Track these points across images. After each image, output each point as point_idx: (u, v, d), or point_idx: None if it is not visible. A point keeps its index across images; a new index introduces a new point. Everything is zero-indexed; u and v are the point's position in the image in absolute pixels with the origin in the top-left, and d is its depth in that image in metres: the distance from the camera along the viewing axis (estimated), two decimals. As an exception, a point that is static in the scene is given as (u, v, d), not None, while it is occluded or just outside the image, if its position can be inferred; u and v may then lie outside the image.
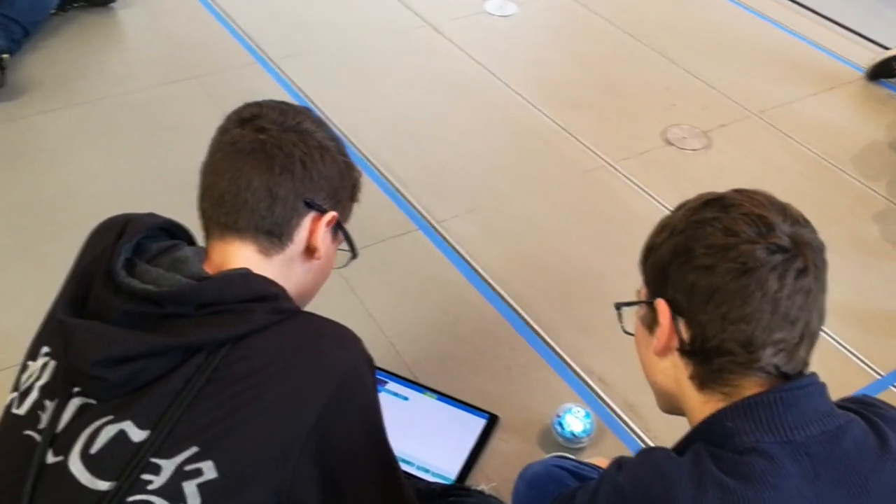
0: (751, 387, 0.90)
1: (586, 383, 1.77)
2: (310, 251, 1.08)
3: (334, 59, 2.75)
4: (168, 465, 0.88)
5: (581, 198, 2.25)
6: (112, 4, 2.82)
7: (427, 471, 1.55)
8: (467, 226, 2.12)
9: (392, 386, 1.69)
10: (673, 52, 2.93)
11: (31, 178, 2.15)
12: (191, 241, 1.11)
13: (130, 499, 0.87)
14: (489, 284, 1.96)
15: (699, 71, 2.85)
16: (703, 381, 0.92)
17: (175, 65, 2.63)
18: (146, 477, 0.87)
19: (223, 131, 1.08)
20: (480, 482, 1.55)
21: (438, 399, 1.68)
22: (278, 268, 1.05)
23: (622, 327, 1.05)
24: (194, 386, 0.90)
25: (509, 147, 2.43)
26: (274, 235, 1.04)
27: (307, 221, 1.07)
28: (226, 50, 2.72)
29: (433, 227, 2.10)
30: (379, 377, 1.69)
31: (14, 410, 0.96)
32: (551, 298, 1.95)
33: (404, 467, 1.52)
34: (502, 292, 1.94)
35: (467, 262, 2.01)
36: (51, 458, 0.90)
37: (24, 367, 1.00)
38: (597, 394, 1.75)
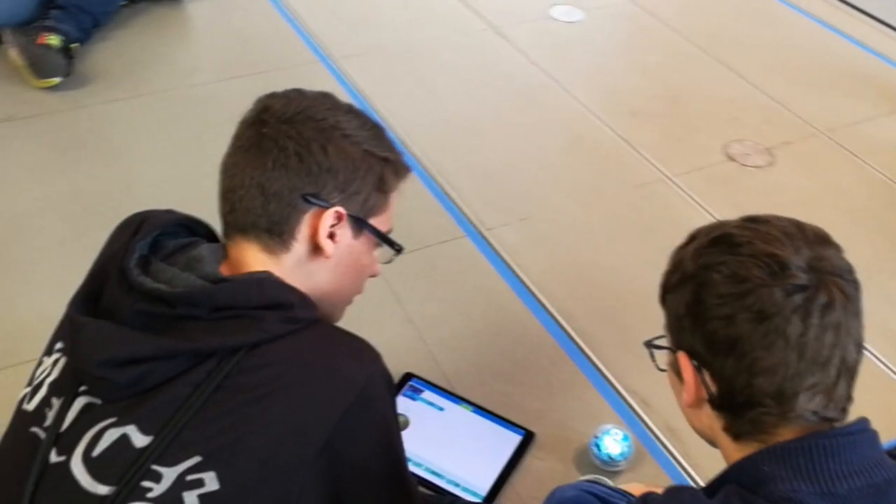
0: (789, 434, 0.84)
1: (628, 404, 1.72)
2: (317, 249, 1.02)
3: (395, 59, 2.75)
4: (169, 474, 0.86)
5: (636, 211, 2.20)
6: (181, -2, 2.87)
7: (457, 485, 1.53)
8: (517, 235, 2.09)
9: (428, 395, 1.67)
10: (739, 65, 2.84)
11: (91, 166, 2.20)
12: (210, 236, 1.08)
13: None
14: (535, 296, 1.93)
15: (766, 85, 2.75)
16: (738, 433, 0.88)
17: (239, 60, 2.65)
18: (146, 484, 0.86)
19: (238, 126, 1.05)
20: (510, 500, 1.53)
21: (474, 411, 1.65)
22: (290, 268, 1.01)
23: (655, 365, 1.00)
24: (203, 393, 0.88)
25: (565, 156, 2.39)
26: (274, 234, 0.99)
27: (308, 218, 1.00)
28: (290, 47, 2.74)
29: (481, 235, 2.08)
30: (415, 385, 1.68)
31: (24, 406, 0.96)
32: (598, 314, 1.90)
33: (434, 479, 1.53)
34: (548, 305, 1.91)
35: (514, 272, 1.98)
36: (54, 458, 0.89)
37: (39, 362, 0.99)
38: (638, 415, 1.70)
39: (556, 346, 1.82)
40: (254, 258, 1.00)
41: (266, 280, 0.96)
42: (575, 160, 2.37)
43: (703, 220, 2.16)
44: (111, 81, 2.49)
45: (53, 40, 2.42)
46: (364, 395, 0.93)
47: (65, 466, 0.88)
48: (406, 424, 1.58)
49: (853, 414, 0.87)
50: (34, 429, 0.92)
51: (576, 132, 2.49)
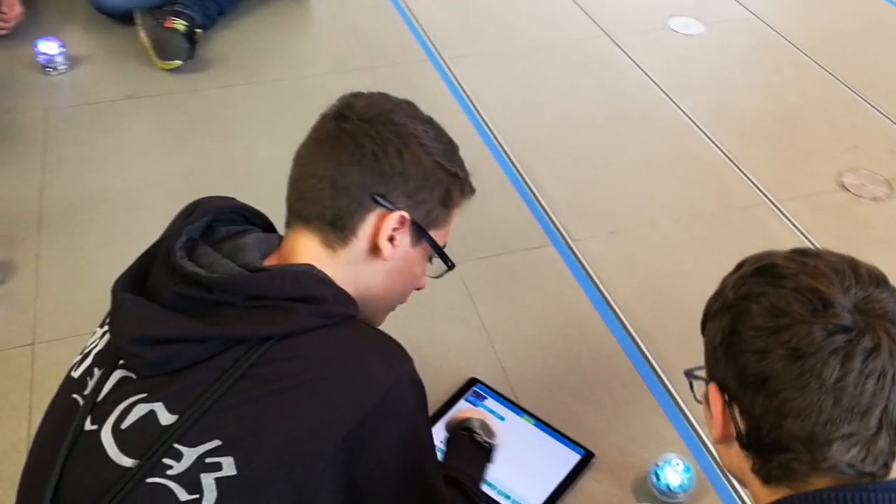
0: (823, 485, 0.79)
1: (697, 435, 1.65)
2: (375, 250, 1.03)
3: (504, 62, 2.74)
4: (190, 454, 0.88)
5: (733, 235, 2.11)
6: (305, -10, 2.96)
7: (508, 497, 1.51)
8: (604, 248, 2.04)
9: (490, 402, 1.66)
10: (867, 89, 2.68)
11: (200, 147, 2.30)
12: (267, 228, 1.10)
13: (149, 480, 0.88)
14: (615, 313, 1.88)
15: (894, 112, 2.58)
16: (768, 476, 0.83)
17: (351, 54, 2.71)
18: (167, 461, 0.88)
19: (318, 120, 1.07)
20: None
21: (535, 425, 1.63)
22: (344, 264, 1.02)
23: (693, 395, 0.96)
24: (229, 379, 0.89)
25: (666, 171, 2.31)
26: (336, 227, 1.00)
27: (372, 217, 1.01)
28: (402, 45, 2.78)
29: (568, 245, 2.04)
30: (479, 391, 1.67)
31: (72, 372, 1.00)
32: (679, 339, 1.83)
33: (485, 488, 1.52)
34: (628, 324, 1.86)
35: (597, 286, 1.94)
36: (88, 426, 0.93)
37: (93, 332, 1.03)
38: (707, 448, 1.62)
39: (629, 367, 1.77)
40: (308, 249, 1.01)
41: (303, 273, 0.97)
42: (675, 176, 2.30)
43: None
44: (228, 67, 2.60)
45: (179, 25, 2.55)
46: (389, 396, 0.93)
47: (96, 435, 0.92)
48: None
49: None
50: (75, 395, 0.96)
51: (680, 148, 2.41)
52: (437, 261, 1.13)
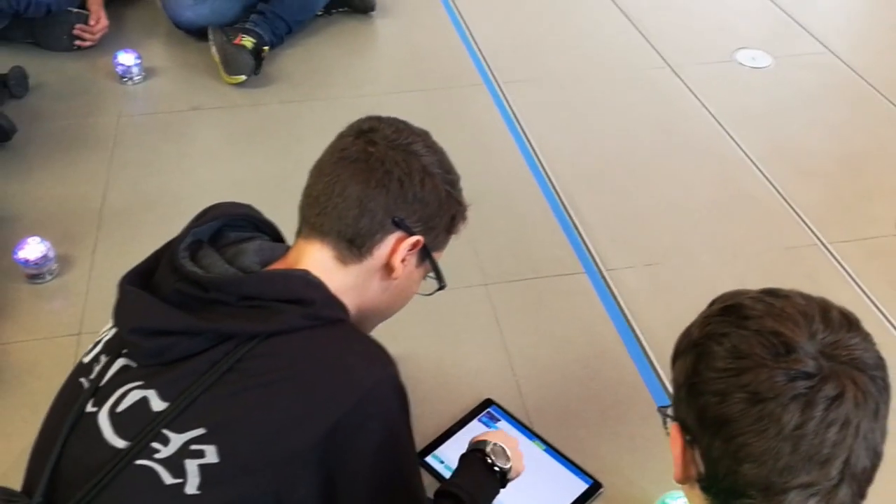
0: None
1: (715, 477, 1.61)
2: (388, 269, 1.09)
3: (559, 88, 2.74)
4: (176, 440, 0.93)
5: (776, 275, 2.04)
6: (372, 13, 3.02)
7: (510, 521, 1.50)
8: (639, 280, 2.01)
9: (503, 425, 1.65)
10: (942, 133, 2.56)
11: (254, 159, 2.38)
12: (276, 237, 1.17)
13: (138, 462, 0.93)
14: (642, 346, 1.84)
15: (969, 157, 2.46)
16: None
17: (409, 75, 2.77)
18: (155, 445, 0.94)
19: (340, 138, 1.13)
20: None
21: (546, 450, 1.61)
22: (353, 278, 1.07)
23: (666, 432, 0.93)
24: (218, 371, 0.95)
25: (713, 206, 2.26)
26: (354, 245, 1.06)
27: (391, 239, 1.08)
28: (459, 67, 2.81)
29: (601, 274, 2.02)
30: (493, 413, 1.67)
31: (83, 359, 1.07)
32: (706, 376, 1.79)
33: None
34: (654, 359, 1.81)
35: (626, 318, 1.91)
36: (90, 408, 0.99)
37: (108, 323, 1.10)
38: (724, 491, 1.58)
39: (649, 402, 1.73)
40: (319, 260, 1.06)
41: (295, 276, 1.02)
42: (722, 212, 2.24)
43: (852, 295, 1.98)
44: (290, 84, 2.68)
45: (247, 42, 2.65)
46: (370, 397, 0.96)
47: (94, 417, 0.98)
48: None
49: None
50: (82, 379, 1.04)
51: (731, 183, 2.35)
52: (428, 280, 1.20)
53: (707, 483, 0.81)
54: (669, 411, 0.91)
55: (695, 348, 0.82)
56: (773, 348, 0.76)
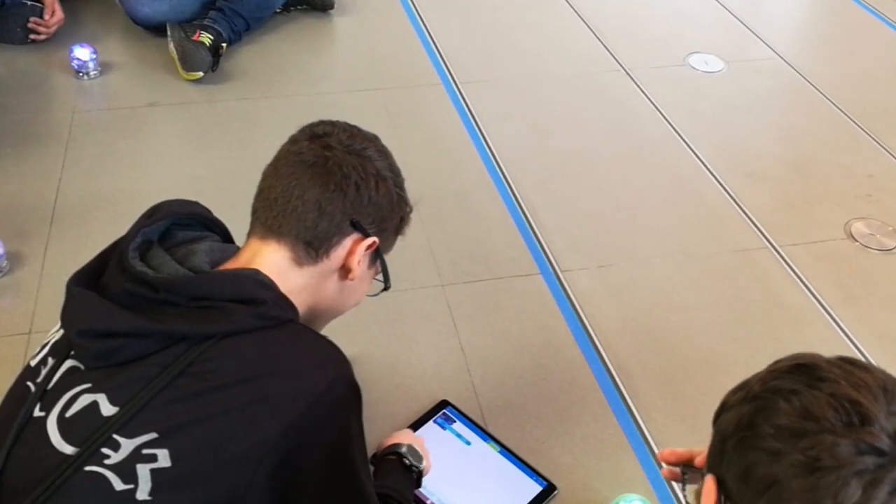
0: None
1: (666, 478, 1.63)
2: (345, 271, 1.12)
3: (516, 90, 2.76)
4: (127, 445, 0.92)
5: (727, 278, 2.08)
6: (331, 11, 3.01)
7: (463, 522, 1.52)
8: (593, 281, 2.04)
9: (458, 426, 1.66)
10: (890, 138, 2.62)
11: (209, 155, 2.36)
12: (225, 237, 1.16)
13: (87, 468, 0.92)
14: (595, 347, 1.87)
15: (919, 165, 2.53)
16: None
17: (367, 74, 2.76)
18: (105, 451, 0.92)
19: (293, 141, 1.14)
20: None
21: (500, 452, 1.63)
22: (306, 279, 1.09)
23: (684, 497, 0.94)
24: (169, 374, 0.94)
25: (666, 209, 2.30)
26: (312, 247, 1.08)
27: (348, 241, 1.10)
28: (417, 67, 2.82)
29: (556, 275, 2.04)
30: (449, 414, 1.68)
31: (30, 361, 1.05)
32: (658, 378, 1.81)
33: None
34: (606, 358, 1.84)
35: (580, 318, 1.93)
36: (37, 413, 0.97)
37: (55, 325, 1.08)
38: (673, 491, 1.61)
39: (603, 402, 1.76)
40: (273, 261, 1.07)
41: (245, 276, 1.02)
42: (675, 214, 2.28)
43: (801, 297, 2.03)
44: (246, 81, 2.66)
45: (205, 38, 2.62)
46: (324, 398, 0.96)
47: (42, 422, 0.96)
48: None
49: None
50: (29, 383, 1.01)
51: (683, 186, 2.39)
52: (375, 282, 1.22)
53: None
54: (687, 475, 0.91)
55: (754, 401, 0.77)
56: (847, 416, 0.70)
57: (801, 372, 0.76)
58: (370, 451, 1.25)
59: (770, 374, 0.78)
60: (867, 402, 0.70)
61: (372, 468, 1.34)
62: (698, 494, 0.84)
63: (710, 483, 0.79)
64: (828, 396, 0.72)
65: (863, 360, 0.78)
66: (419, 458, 1.36)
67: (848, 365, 0.76)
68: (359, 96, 2.62)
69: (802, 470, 0.69)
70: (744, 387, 0.81)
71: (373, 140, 1.16)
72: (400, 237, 1.24)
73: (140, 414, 0.93)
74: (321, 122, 1.16)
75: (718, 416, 0.82)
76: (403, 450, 1.35)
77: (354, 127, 1.17)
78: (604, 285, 2.03)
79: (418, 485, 1.37)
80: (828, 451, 0.69)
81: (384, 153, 1.16)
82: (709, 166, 2.45)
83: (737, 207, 2.31)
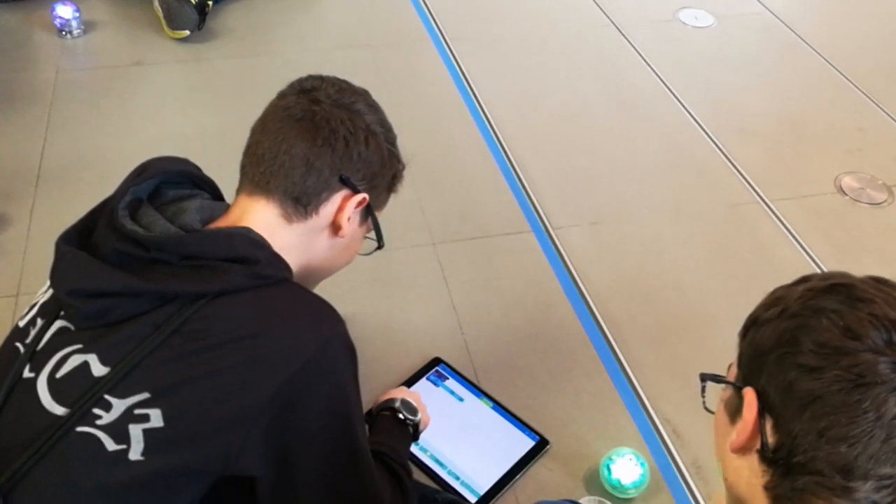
0: None
1: (658, 431, 1.64)
2: (335, 227, 1.10)
3: (507, 47, 2.73)
4: (119, 405, 0.91)
5: (719, 232, 2.09)
6: (317, -33, 2.96)
7: (457, 478, 1.52)
8: (584, 238, 2.03)
9: (451, 383, 1.67)
10: (879, 92, 2.62)
11: (196, 114, 2.33)
12: (215, 195, 1.14)
13: (79, 429, 0.91)
14: (587, 303, 1.87)
15: (906, 119, 2.53)
16: (780, 496, 0.78)
17: (355, 32, 2.72)
18: (97, 411, 0.91)
19: (281, 96, 1.12)
20: None
21: (493, 408, 1.64)
22: (297, 236, 1.07)
23: (703, 403, 0.91)
24: (161, 334, 0.93)
25: (657, 165, 2.29)
26: (300, 203, 1.06)
27: (337, 198, 1.08)
28: (406, 24, 2.78)
29: (548, 233, 2.04)
30: (441, 371, 1.69)
31: (19, 322, 1.04)
32: (650, 334, 1.83)
33: (435, 467, 1.53)
34: (598, 315, 1.85)
35: (572, 275, 1.93)
36: (26, 374, 0.96)
37: (44, 285, 1.06)
38: (666, 445, 1.62)
39: (595, 358, 1.77)
40: (263, 218, 1.05)
41: (237, 234, 1.00)
42: (666, 170, 2.28)
43: (792, 251, 2.04)
44: (233, 39, 2.62)
45: (192, -4, 2.58)
46: (318, 357, 0.95)
47: (32, 383, 0.95)
48: None
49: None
50: (18, 344, 1.00)
51: (674, 141, 2.38)
52: (367, 240, 1.21)
53: (776, 455, 0.77)
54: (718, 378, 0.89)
55: (793, 319, 0.78)
56: (887, 335, 0.73)
57: (839, 290, 0.77)
58: (365, 410, 1.27)
59: (808, 293, 0.79)
60: None
61: (367, 426, 1.35)
62: (727, 401, 0.85)
63: (750, 396, 0.79)
64: (869, 316, 0.74)
65: (892, 280, 0.80)
66: (414, 410, 1.36)
67: (881, 285, 0.78)
68: (347, 53, 2.58)
69: (846, 385, 0.72)
70: (777, 303, 0.82)
71: (363, 94, 1.13)
72: (393, 195, 1.22)
73: (132, 374, 0.92)
74: (310, 77, 1.14)
75: (748, 329, 0.84)
76: (397, 404, 1.35)
77: (344, 81, 1.14)
78: (595, 242, 2.03)
79: (415, 438, 1.38)
80: (869, 367, 0.72)
81: (374, 108, 1.13)
82: (700, 122, 2.44)
83: (728, 163, 2.30)
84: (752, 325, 0.83)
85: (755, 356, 0.81)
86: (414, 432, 1.36)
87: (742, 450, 0.80)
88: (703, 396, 0.90)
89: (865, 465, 0.72)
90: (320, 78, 1.13)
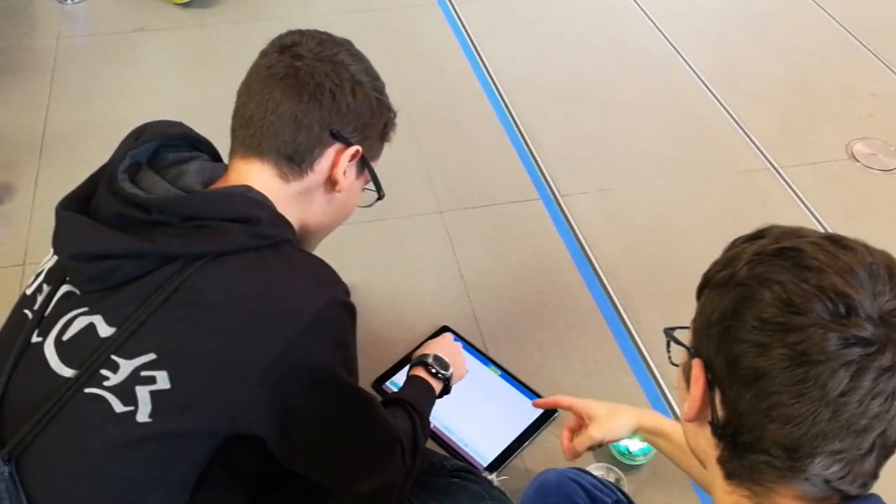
0: (786, 495, 0.74)
1: (667, 399, 1.64)
2: (331, 183, 1.08)
3: (514, 9, 2.68)
4: (126, 366, 0.91)
5: (729, 199, 2.06)
6: (320, -72, 2.91)
7: (466, 445, 1.53)
8: (593, 205, 2.02)
9: (459, 352, 1.67)
10: (893, 56, 2.58)
11: (199, 80, 2.31)
12: (214, 156, 1.12)
13: (87, 390, 0.91)
14: (595, 271, 1.86)
15: (920, 84, 2.49)
16: (731, 472, 0.76)
17: (360, -6, 2.69)
18: (104, 372, 0.91)
19: (263, 55, 1.09)
20: (515, 470, 1.51)
21: (502, 376, 1.64)
22: (295, 194, 1.05)
23: (669, 357, 0.87)
24: (164, 292, 0.92)
25: (668, 131, 2.26)
26: (294, 162, 1.04)
27: (331, 152, 1.06)
28: (411, -14, 2.74)
29: (556, 200, 2.02)
30: (450, 339, 1.68)
31: (26, 290, 1.03)
32: (659, 302, 1.82)
33: (445, 434, 1.54)
34: (607, 283, 1.84)
35: (580, 243, 1.92)
36: (35, 339, 0.96)
37: (49, 252, 1.05)
38: (674, 412, 1.62)
39: (603, 327, 1.76)
40: (260, 179, 1.03)
41: (238, 194, 0.99)
42: (675, 136, 2.25)
43: (804, 219, 2.02)
44: (236, 4, 2.59)
45: (193, -41, 2.54)
46: (318, 317, 0.95)
47: (40, 347, 0.95)
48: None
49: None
50: (25, 310, 1.00)
51: (685, 107, 2.35)
52: (367, 192, 1.18)
53: (724, 432, 0.76)
54: (679, 334, 0.85)
55: (738, 288, 0.74)
56: (833, 308, 0.69)
57: (785, 257, 0.73)
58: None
59: (755, 258, 0.74)
60: (853, 292, 0.69)
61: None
62: (683, 365, 0.82)
63: (698, 368, 0.77)
64: (814, 288, 0.69)
65: (848, 238, 0.75)
66: (445, 365, 1.37)
67: (834, 247, 0.73)
68: (352, 17, 2.55)
69: (790, 363, 0.69)
70: (729, 264, 0.77)
71: (345, 45, 1.10)
72: (387, 144, 1.18)
73: (137, 333, 0.92)
74: (290, 32, 1.11)
75: (701, 290, 0.79)
76: (430, 360, 1.36)
77: (324, 33, 1.11)
78: (604, 209, 2.01)
79: (447, 391, 1.39)
80: (815, 345, 0.68)
81: (358, 57, 1.10)
82: (709, 86, 2.41)
83: (737, 128, 2.27)
84: (706, 286, 0.79)
85: (703, 325, 0.77)
86: (446, 385, 1.37)
87: (694, 418, 0.78)
88: (668, 351, 0.87)
89: (812, 443, 0.70)
90: (300, 32, 1.10)
